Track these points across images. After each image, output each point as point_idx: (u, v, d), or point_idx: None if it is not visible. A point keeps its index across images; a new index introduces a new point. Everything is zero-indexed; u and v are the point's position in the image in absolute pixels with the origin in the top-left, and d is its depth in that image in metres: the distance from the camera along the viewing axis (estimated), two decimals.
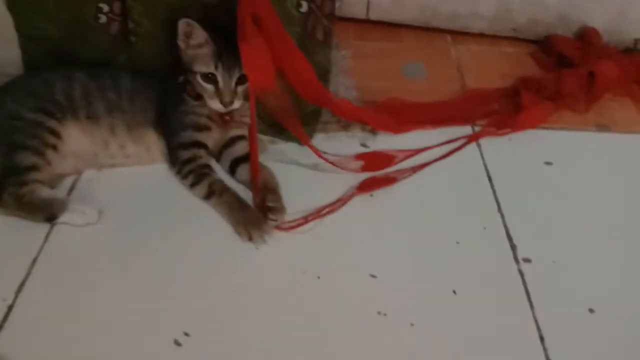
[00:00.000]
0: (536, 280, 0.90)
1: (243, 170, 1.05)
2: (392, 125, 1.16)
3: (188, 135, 1.03)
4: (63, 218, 0.95)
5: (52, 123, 0.99)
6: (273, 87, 0.96)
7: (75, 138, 1.02)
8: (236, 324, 0.83)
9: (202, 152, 1.03)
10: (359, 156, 1.10)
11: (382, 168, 1.08)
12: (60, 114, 1.00)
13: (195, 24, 0.97)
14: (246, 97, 1.00)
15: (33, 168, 0.96)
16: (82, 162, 1.04)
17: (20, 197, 0.94)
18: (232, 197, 0.99)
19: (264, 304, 0.86)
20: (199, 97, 1.02)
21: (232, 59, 0.96)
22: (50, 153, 0.98)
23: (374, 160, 1.09)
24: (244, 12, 0.91)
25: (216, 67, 0.98)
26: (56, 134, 0.99)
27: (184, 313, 0.84)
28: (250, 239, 0.94)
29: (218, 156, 1.08)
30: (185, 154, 1.02)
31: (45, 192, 0.97)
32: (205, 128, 1.04)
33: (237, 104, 1.01)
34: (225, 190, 0.99)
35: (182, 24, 0.97)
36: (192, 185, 1.01)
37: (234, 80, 0.99)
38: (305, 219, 0.97)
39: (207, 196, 0.99)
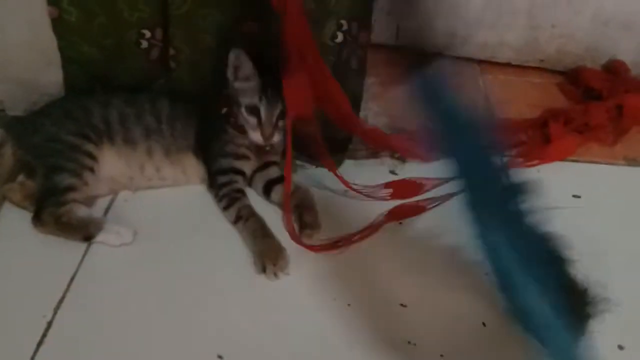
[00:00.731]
0: None
1: (277, 191, 1.07)
2: (422, 154, 1.18)
3: (227, 162, 1.05)
4: (99, 238, 0.97)
5: (90, 147, 1.02)
6: (310, 117, 0.98)
7: (112, 161, 1.05)
8: (268, 347, 0.85)
9: (238, 177, 1.06)
10: (388, 184, 1.12)
11: (411, 196, 1.10)
12: (97, 138, 1.03)
13: (243, 56, 0.99)
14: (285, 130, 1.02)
15: (71, 189, 0.98)
16: (117, 184, 1.07)
17: (59, 216, 0.97)
18: (257, 224, 1.00)
19: (295, 329, 0.87)
20: (241, 129, 1.05)
21: (275, 93, 0.99)
22: (87, 175, 1.01)
23: (402, 188, 1.11)
24: (289, 45, 0.93)
25: (260, 100, 1.00)
26: (93, 157, 1.02)
27: (218, 335, 0.86)
28: (263, 271, 0.94)
29: (250, 179, 1.10)
30: (222, 179, 1.05)
31: (82, 211, 1.00)
32: (244, 157, 1.07)
33: (277, 138, 1.03)
34: (251, 215, 1.01)
35: (232, 56, 1.00)
36: (225, 208, 1.03)
37: (276, 114, 1.01)
38: (335, 244, 0.99)
39: (236, 220, 1.02)
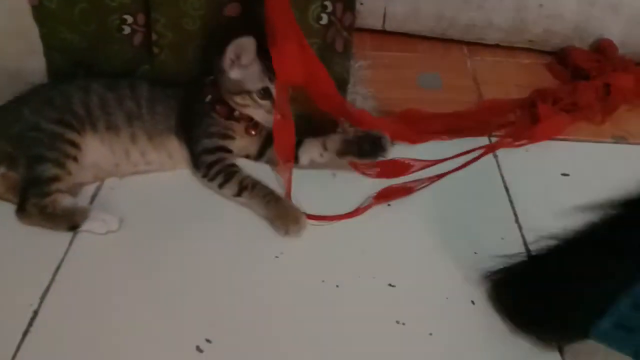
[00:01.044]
0: None
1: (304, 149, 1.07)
2: (409, 136, 1.17)
3: (213, 142, 1.04)
4: (85, 226, 0.96)
5: (72, 135, 1.00)
6: (300, 83, 0.97)
7: (95, 149, 1.03)
8: (257, 331, 0.84)
9: (227, 155, 1.05)
10: (376, 163, 1.11)
11: (398, 175, 1.09)
12: (79, 125, 1.02)
13: (246, 43, 0.98)
14: None
15: (54, 179, 0.97)
16: (103, 171, 1.06)
17: (43, 207, 0.96)
18: (265, 189, 1.00)
19: (283, 312, 0.87)
20: (229, 116, 1.04)
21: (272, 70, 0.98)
22: (70, 164, 0.99)
23: (390, 168, 1.10)
24: (274, 22, 0.93)
25: (270, 81, 1.00)
26: (76, 146, 1.00)
27: (206, 320, 0.85)
28: (287, 232, 0.95)
29: (259, 157, 1.10)
30: (210, 157, 1.03)
31: (67, 201, 0.98)
32: (229, 137, 1.06)
33: None
34: (256, 183, 1.00)
35: (234, 47, 0.99)
36: (222, 184, 1.02)
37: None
38: (326, 218, 1.00)
39: (239, 192, 1.00)
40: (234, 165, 1.04)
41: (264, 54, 0.98)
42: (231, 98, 1.04)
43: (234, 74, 1.01)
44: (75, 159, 1.00)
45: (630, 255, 0.75)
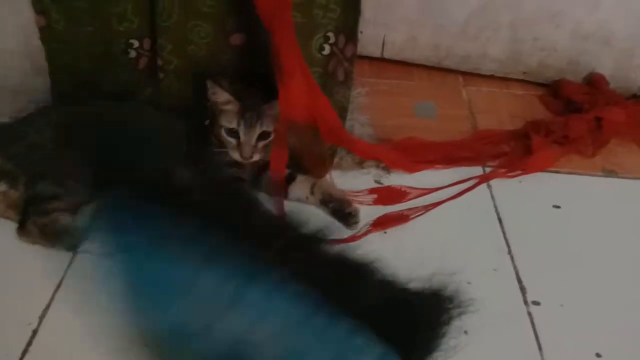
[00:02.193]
0: (545, 322, 0.92)
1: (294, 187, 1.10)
2: (406, 164, 1.20)
3: (227, 172, 1.07)
4: (84, 247, 0.96)
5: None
6: (303, 120, 1.00)
7: None
8: None
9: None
10: (373, 190, 1.14)
11: (394, 203, 1.12)
12: None
13: (217, 88, 1.02)
14: (267, 150, 1.05)
15: (54, 197, 0.98)
16: None
17: (43, 226, 0.96)
18: None
19: None
20: (221, 143, 1.06)
21: (255, 116, 1.02)
22: (69, 182, 1.00)
23: (386, 195, 1.13)
24: (281, 56, 0.95)
25: (238, 124, 1.03)
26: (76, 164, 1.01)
27: None
28: None
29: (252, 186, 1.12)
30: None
31: (67, 220, 0.99)
32: (237, 165, 1.08)
33: (256, 157, 1.06)
34: None
35: (208, 85, 1.03)
36: None
37: (255, 136, 1.04)
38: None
39: None
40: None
41: (255, 99, 1.01)
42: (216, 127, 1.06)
43: (216, 106, 1.05)
44: (75, 177, 1.01)
45: None
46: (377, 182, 1.17)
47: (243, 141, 1.04)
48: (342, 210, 1.06)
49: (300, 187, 1.10)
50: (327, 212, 1.08)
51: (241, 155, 1.04)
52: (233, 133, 1.04)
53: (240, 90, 1.04)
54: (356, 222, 1.06)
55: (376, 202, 1.11)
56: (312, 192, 1.10)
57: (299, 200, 1.10)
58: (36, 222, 0.96)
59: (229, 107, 1.03)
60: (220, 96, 1.03)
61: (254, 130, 1.03)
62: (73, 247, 0.97)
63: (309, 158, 1.09)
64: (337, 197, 1.08)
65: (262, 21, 0.93)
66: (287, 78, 0.95)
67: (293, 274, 0.78)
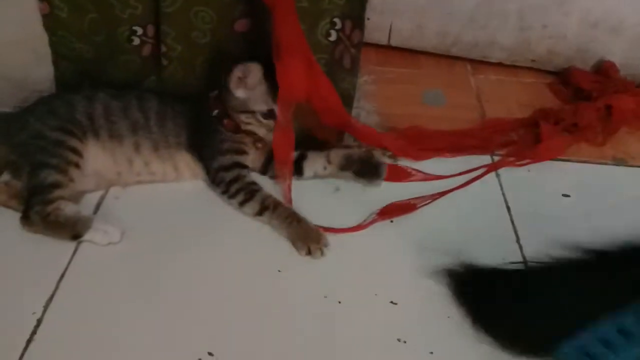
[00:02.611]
0: None
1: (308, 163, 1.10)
2: (412, 152, 1.19)
3: (228, 159, 1.05)
4: (87, 236, 0.96)
5: (74, 142, 1.01)
6: (303, 98, 0.99)
7: (97, 156, 1.04)
8: (259, 345, 0.85)
9: (245, 171, 1.06)
10: None
11: (397, 181, 1.12)
12: (81, 133, 1.03)
13: (252, 68, 1.00)
14: None
15: (56, 185, 0.97)
16: (105, 179, 1.06)
17: (46, 215, 0.96)
18: (287, 211, 1.01)
19: (285, 327, 0.87)
20: (237, 130, 1.05)
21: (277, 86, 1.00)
22: (73, 171, 1.00)
23: (391, 173, 1.12)
24: (281, 39, 0.94)
25: (274, 102, 1.01)
26: (78, 153, 1.01)
27: (208, 332, 0.86)
28: (309, 252, 0.97)
29: (263, 172, 1.11)
30: (229, 175, 1.04)
31: (70, 209, 0.98)
32: (243, 152, 1.07)
33: None
34: (278, 204, 1.01)
35: (240, 69, 1.00)
36: (243, 202, 1.02)
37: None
38: (330, 230, 1.01)
39: (260, 212, 1.01)
40: (254, 183, 1.05)
41: (271, 71, 0.99)
42: (235, 114, 1.05)
43: (240, 93, 1.03)
44: (77, 165, 1.00)
45: (611, 292, 0.77)
46: None
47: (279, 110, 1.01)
48: (370, 163, 1.07)
49: (315, 161, 1.09)
50: (350, 176, 1.09)
51: None
52: (270, 114, 1.02)
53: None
54: (384, 174, 1.06)
55: None
56: (329, 162, 1.09)
57: (315, 175, 1.09)
58: (39, 212, 0.96)
59: (259, 88, 1.01)
60: (253, 79, 1.00)
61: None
62: (76, 237, 0.97)
63: (321, 130, 1.08)
64: (359, 154, 1.08)
65: (265, 2, 0.92)
66: (286, 57, 0.94)
67: None
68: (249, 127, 1.05)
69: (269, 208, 1.01)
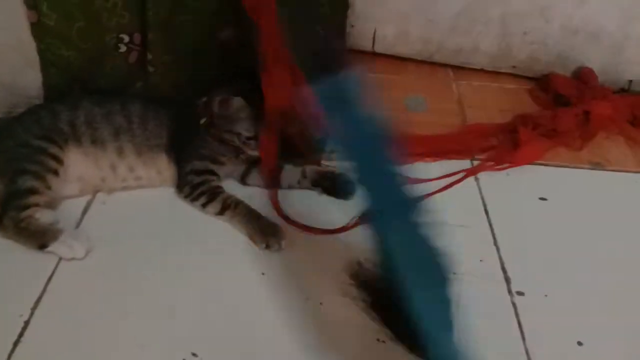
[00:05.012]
0: (528, 312, 0.94)
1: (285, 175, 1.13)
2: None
3: (203, 164, 1.08)
4: (51, 248, 0.96)
5: (53, 149, 1.03)
6: (288, 106, 1.01)
7: (79, 162, 1.05)
8: (242, 346, 0.87)
9: (214, 177, 1.08)
10: None
11: None
12: (63, 141, 1.04)
13: (235, 104, 1.03)
14: None
15: (33, 191, 0.98)
16: (89, 185, 1.07)
17: (19, 221, 0.96)
18: (246, 208, 1.04)
19: (268, 328, 0.89)
20: (222, 141, 1.08)
21: (262, 110, 1.02)
22: (50, 177, 1.01)
23: None
24: (265, 48, 0.97)
25: (258, 127, 1.05)
26: (57, 159, 1.02)
27: (192, 334, 0.88)
28: (267, 246, 1.00)
29: (243, 182, 1.14)
30: (197, 179, 1.07)
31: (46, 217, 0.98)
32: (220, 163, 1.10)
33: None
34: (239, 202, 1.05)
35: (222, 104, 1.04)
36: (205, 204, 1.05)
37: None
38: (311, 230, 1.04)
39: (222, 211, 1.04)
40: (219, 187, 1.08)
41: (255, 98, 1.02)
42: (220, 130, 1.07)
43: (227, 114, 1.05)
44: (56, 172, 1.02)
45: None
46: None
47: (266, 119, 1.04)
48: (341, 181, 1.10)
49: (291, 174, 1.12)
50: (321, 191, 1.12)
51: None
52: (254, 137, 1.06)
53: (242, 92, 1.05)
54: (353, 193, 1.08)
55: None
56: (304, 176, 1.12)
57: (290, 187, 1.12)
58: (13, 217, 0.96)
59: (243, 113, 1.05)
60: (236, 110, 1.04)
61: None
62: (42, 247, 0.96)
63: (303, 144, 1.10)
64: (331, 172, 1.12)
65: (246, 9, 0.94)
66: (271, 67, 0.96)
67: None
68: (233, 144, 1.08)
69: (229, 207, 1.04)
